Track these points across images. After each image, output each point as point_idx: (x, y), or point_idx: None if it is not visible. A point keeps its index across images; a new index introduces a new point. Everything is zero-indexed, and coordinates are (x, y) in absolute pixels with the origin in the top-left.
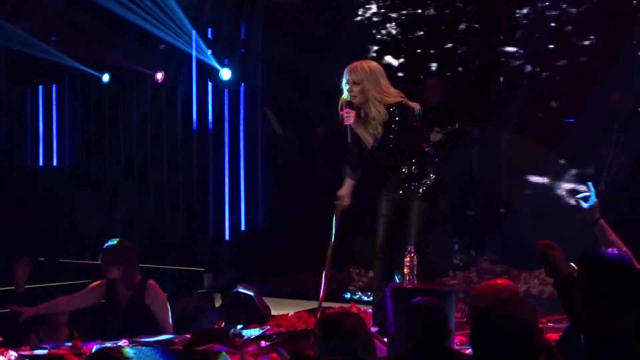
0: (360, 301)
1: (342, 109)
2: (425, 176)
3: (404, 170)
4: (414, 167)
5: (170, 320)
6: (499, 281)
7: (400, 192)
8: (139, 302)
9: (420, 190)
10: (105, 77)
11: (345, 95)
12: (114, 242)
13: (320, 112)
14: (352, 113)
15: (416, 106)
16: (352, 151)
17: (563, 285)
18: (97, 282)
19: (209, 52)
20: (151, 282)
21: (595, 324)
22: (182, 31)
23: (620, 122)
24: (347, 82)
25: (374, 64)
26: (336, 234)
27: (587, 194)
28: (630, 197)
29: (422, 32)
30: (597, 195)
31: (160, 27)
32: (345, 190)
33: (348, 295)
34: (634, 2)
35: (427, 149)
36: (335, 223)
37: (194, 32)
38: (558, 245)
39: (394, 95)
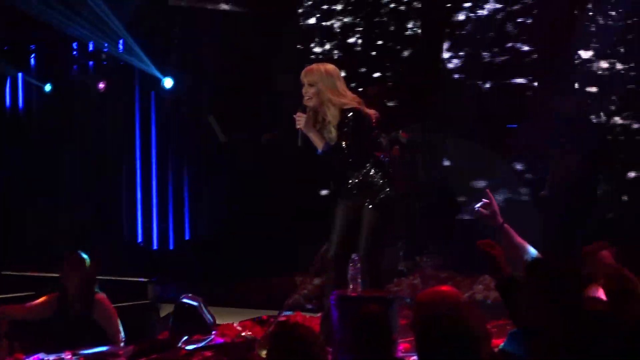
0: (304, 308)
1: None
2: (379, 185)
3: (357, 177)
4: (367, 174)
5: (122, 334)
6: (444, 288)
7: (354, 200)
8: (86, 316)
9: (374, 200)
10: (48, 87)
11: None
12: (79, 252)
13: (265, 119)
14: (302, 117)
15: (373, 114)
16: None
17: (505, 285)
18: (49, 295)
19: (148, 61)
20: (100, 295)
21: (542, 327)
22: (123, 41)
23: (564, 126)
24: (303, 84)
25: (331, 66)
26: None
27: (486, 202)
28: (574, 201)
29: (360, 41)
30: (541, 199)
31: (99, 38)
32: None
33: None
34: (579, 10)
35: (383, 158)
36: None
37: (133, 41)
38: (499, 245)
39: (350, 99)
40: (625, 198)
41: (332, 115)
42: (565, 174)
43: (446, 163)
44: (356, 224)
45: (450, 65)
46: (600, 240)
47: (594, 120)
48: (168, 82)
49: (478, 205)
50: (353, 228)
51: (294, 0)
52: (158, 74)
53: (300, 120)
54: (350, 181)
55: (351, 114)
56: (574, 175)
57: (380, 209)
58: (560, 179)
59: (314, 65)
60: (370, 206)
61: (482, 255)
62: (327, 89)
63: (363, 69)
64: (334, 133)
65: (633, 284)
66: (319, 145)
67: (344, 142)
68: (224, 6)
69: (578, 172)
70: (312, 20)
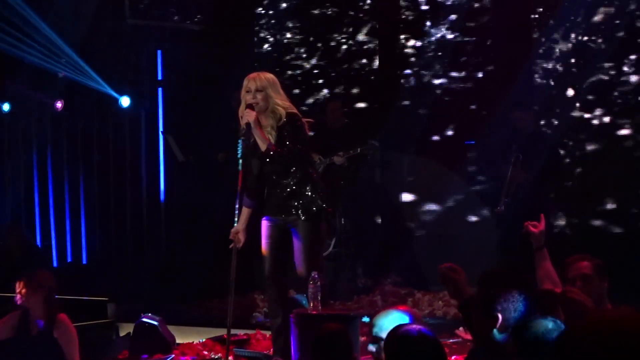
0: (265, 326)
1: (241, 116)
2: (309, 199)
3: (287, 189)
4: (297, 187)
5: (77, 355)
6: (400, 307)
7: (283, 214)
8: (48, 335)
9: (304, 214)
10: (6, 107)
11: (244, 105)
12: (39, 270)
13: (221, 138)
14: (253, 112)
15: (308, 123)
16: (249, 172)
17: (466, 307)
18: (11, 314)
19: (101, 81)
20: (62, 315)
21: (489, 342)
22: (73, 59)
23: (519, 141)
24: (249, 90)
25: (271, 74)
26: (235, 273)
27: (536, 223)
28: (529, 218)
29: (322, 58)
30: (498, 216)
31: (52, 57)
32: (241, 224)
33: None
34: (534, 26)
35: (312, 173)
36: (233, 261)
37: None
38: (460, 268)
39: (290, 106)
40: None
41: (275, 119)
42: (518, 189)
43: (404, 179)
44: (287, 239)
45: (407, 84)
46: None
47: (547, 136)
48: (125, 101)
49: (530, 223)
50: (284, 243)
51: (250, 18)
52: (114, 93)
53: (250, 114)
54: (279, 191)
55: (294, 119)
56: (527, 191)
57: (312, 223)
58: (514, 194)
59: (257, 73)
60: (302, 221)
61: (444, 279)
62: (274, 94)
63: (320, 85)
64: (274, 135)
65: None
66: (263, 143)
67: (286, 143)
68: (182, 24)
69: (530, 187)
70: (270, 38)
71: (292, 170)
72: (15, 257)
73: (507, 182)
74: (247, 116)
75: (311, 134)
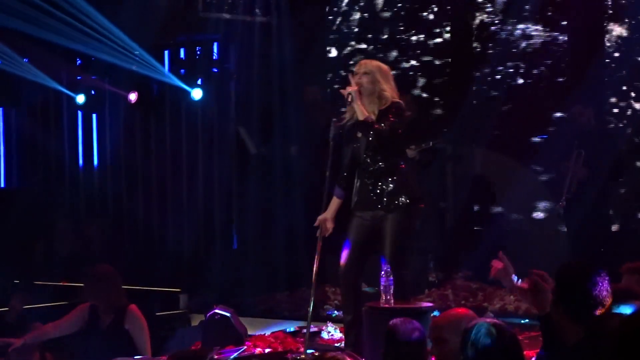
0: (336, 319)
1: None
2: (392, 192)
3: (374, 176)
4: (383, 175)
5: (149, 345)
6: (460, 310)
7: (374, 210)
8: (119, 327)
9: (386, 207)
10: (80, 98)
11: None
12: (97, 264)
13: (293, 131)
14: (356, 86)
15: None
16: (346, 166)
17: (545, 321)
18: (81, 306)
19: (166, 72)
20: (132, 306)
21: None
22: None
23: (580, 137)
24: (357, 73)
25: (384, 65)
26: (318, 263)
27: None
28: (588, 213)
29: (395, 52)
30: (559, 211)
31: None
32: (330, 213)
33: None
34: (604, 25)
35: (401, 165)
36: (318, 249)
37: (166, 52)
38: (551, 279)
39: (397, 96)
40: None
41: (379, 104)
42: (581, 185)
43: (475, 174)
44: (373, 239)
45: (480, 77)
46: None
47: (611, 132)
48: (197, 93)
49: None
50: (368, 244)
51: (325, 11)
52: (185, 86)
53: (353, 87)
54: (366, 179)
55: (399, 105)
56: (590, 187)
57: (403, 219)
58: (577, 190)
59: (374, 60)
60: (392, 217)
61: (534, 286)
62: (383, 81)
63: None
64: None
65: None
66: (363, 114)
67: (387, 124)
68: (256, 17)
69: (594, 183)
70: (345, 30)
71: (382, 156)
72: (96, 246)
73: (568, 178)
74: (349, 88)
75: None
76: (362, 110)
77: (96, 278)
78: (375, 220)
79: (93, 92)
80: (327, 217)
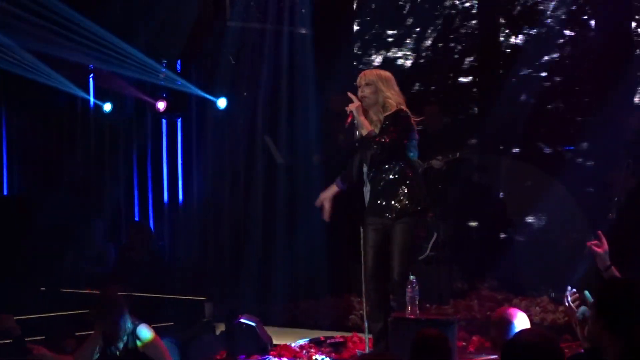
0: (362, 329)
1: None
2: (401, 200)
3: (382, 183)
4: (391, 184)
5: (168, 357)
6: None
7: (378, 215)
8: (132, 349)
9: (395, 215)
10: (107, 107)
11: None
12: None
13: (318, 140)
14: (358, 102)
15: (415, 122)
16: (351, 164)
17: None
18: (93, 335)
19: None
20: (142, 325)
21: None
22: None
23: (630, 146)
24: (359, 86)
25: (385, 71)
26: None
27: (598, 243)
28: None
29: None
30: (608, 222)
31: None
32: (327, 193)
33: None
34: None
35: (408, 173)
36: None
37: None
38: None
39: (402, 102)
40: None
41: (385, 111)
42: (628, 196)
43: (502, 184)
44: (387, 242)
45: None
46: None
47: None
48: (222, 102)
49: (591, 243)
50: (385, 247)
51: (350, 21)
52: (208, 96)
53: (353, 103)
54: (373, 187)
55: (404, 114)
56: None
57: (404, 222)
58: (624, 202)
59: (375, 69)
60: (394, 219)
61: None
62: (386, 89)
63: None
64: (377, 129)
65: None
66: (366, 128)
67: (391, 134)
68: (283, 27)
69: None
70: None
71: (389, 166)
72: (140, 256)
73: (617, 188)
74: (351, 105)
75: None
76: (364, 125)
77: (101, 306)
78: (386, 227)
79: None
80: (323, 196)
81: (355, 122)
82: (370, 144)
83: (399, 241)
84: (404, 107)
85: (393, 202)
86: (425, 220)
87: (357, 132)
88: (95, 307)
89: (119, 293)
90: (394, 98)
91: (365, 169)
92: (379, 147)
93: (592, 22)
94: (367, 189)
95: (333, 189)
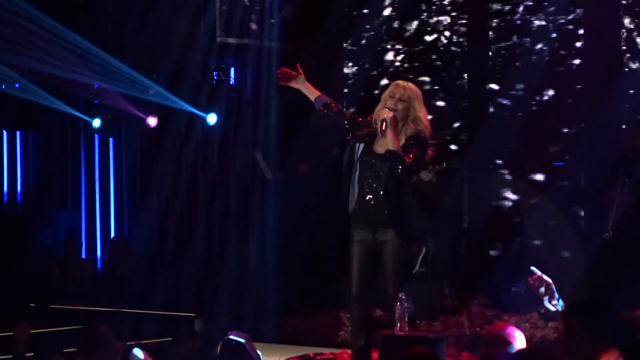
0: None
1: (376, 117)
2: (406, 219)
3: (381, 195)
4: (394, 199)
5: None
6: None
7: (374, 228)
8: None
9: (400, 234)
10: (97, 122)
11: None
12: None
13: (309, 156)
14: (392, 113)
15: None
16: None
17: None
18: None
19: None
20: (134, 351)
21: None
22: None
23: (626, 166)
24: (393, 96)
25: (418, 88)
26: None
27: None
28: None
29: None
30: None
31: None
32: (304, 85)
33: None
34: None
35: (411, 199)
36: None
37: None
38: None
39: (429, 124)
40: None
41: (407, 132)
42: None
43: (490, 199)
44: (377, 259)
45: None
46: None
47: None
48: (212, 118)
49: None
50: (374, 264)
51: (342, 35)
52: (196, 111)
53: (389, 113)
54: (370, 198)
55: (426, 136)
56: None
57: (403, 243)
58: (620, 221)
59: (408, 83)
60: (394, 240)
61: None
62: (419, 108)
63: None
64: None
65: None
66: (394, 144)
67: (413, 155)
68: (271, 43)
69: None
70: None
71: (398, 183)
72: (121, 272)
73: (614, 207)
74: (385, 113)
75: None
76: (393, 140)
77: (88, 344)
78: (376, 242)
79: (109, 117)
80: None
81: (384, 129)
82: (397, 161)
83: (397, 260)
84: (429, 129)
85: (394, 219)
86: (420, 240)
87: (379, 130)
88: (81, 346)
89: (103, 329)
90: (425, 120)
91: (358, 171)
92: (403, 167)
93: (581, 39)
94: (357, 190)
95: (312, 91)
